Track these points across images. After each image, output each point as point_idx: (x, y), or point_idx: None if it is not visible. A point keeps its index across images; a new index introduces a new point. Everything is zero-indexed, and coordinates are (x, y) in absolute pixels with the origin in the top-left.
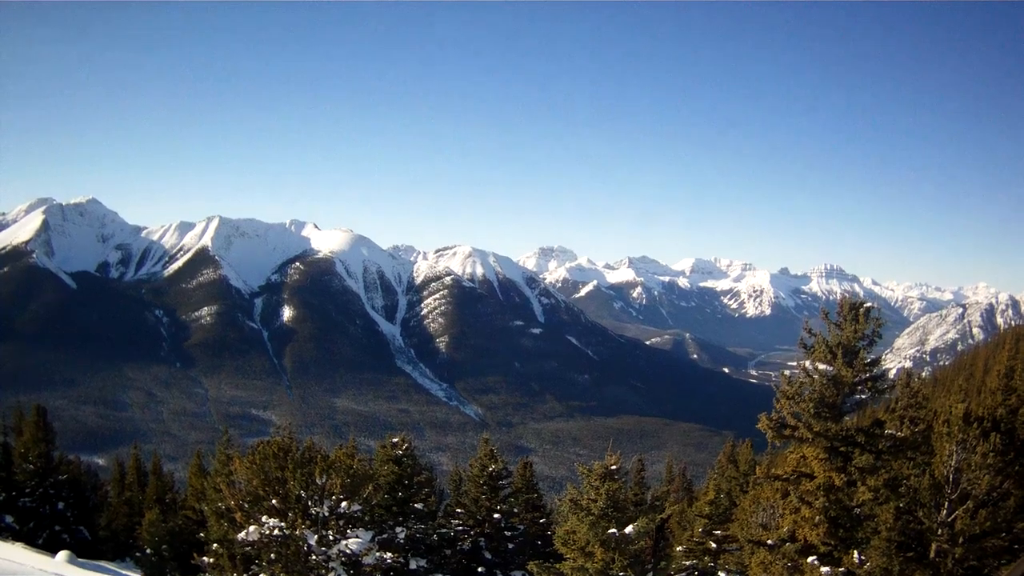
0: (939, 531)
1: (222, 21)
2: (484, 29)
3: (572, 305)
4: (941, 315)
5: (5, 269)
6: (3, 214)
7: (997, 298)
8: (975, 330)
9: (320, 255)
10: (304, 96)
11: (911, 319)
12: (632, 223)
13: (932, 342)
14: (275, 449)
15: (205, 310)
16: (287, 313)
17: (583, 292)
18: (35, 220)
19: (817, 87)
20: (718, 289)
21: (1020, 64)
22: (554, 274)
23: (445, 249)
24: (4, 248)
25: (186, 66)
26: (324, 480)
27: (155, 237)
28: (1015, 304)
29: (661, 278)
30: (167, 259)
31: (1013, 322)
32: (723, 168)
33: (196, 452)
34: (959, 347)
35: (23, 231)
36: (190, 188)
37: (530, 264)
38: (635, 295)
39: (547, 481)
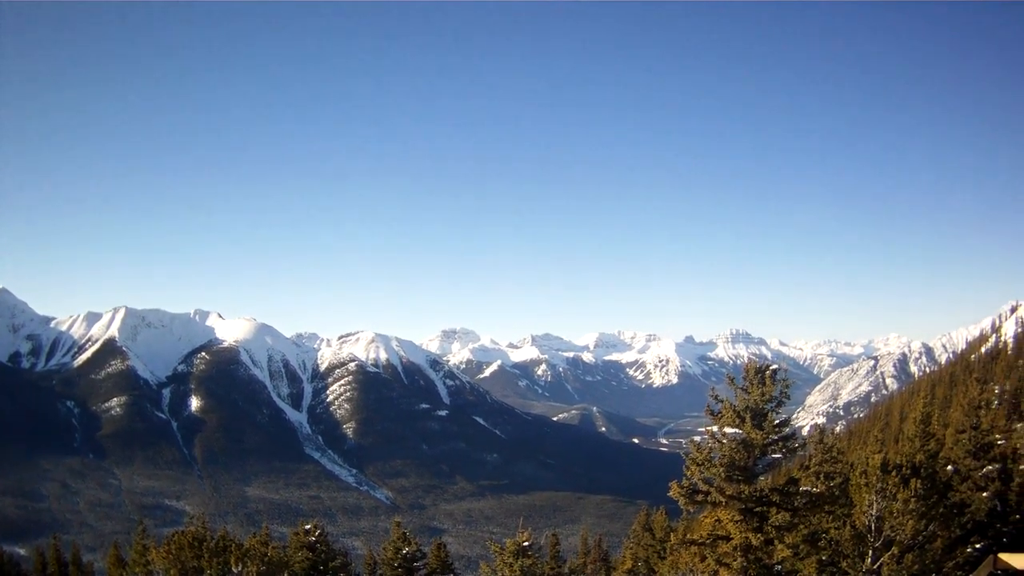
0: None
1: (120, 115)
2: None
3: (477, 386)
4: (853, 369)
5: None
6: None
7: (910, 347)
8: (888, 380)
9: (225, 344)
10: (200, 180)
11: (822, 376)
12: (533, 301)
13: (845, 396)
14: (190, 539)
15: (115, 401)
16: (195, 403)
17: (487, 372)
18: None
19: (716, 149)
20: (623, 361)
21: (911, 119)
22: (458, 356)
23: (348, 335)
24: None
25: (87, 157)
26: (240, 568)
27: (64, 328)
28: (929, 351)
29: (565, 354)
30: (76, 350)
31: (927, 369)
32: (620, 240)
33: (113, 543)
34: (872, 399)
35: None
36: (97, 277)
37: (433, 347)
38: (540, 372)
39: (462, 560)
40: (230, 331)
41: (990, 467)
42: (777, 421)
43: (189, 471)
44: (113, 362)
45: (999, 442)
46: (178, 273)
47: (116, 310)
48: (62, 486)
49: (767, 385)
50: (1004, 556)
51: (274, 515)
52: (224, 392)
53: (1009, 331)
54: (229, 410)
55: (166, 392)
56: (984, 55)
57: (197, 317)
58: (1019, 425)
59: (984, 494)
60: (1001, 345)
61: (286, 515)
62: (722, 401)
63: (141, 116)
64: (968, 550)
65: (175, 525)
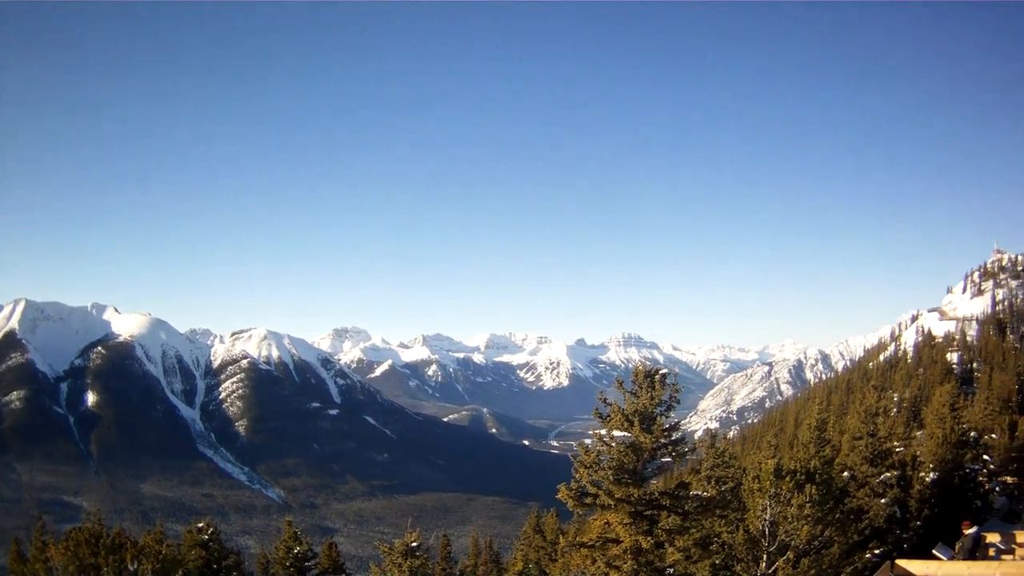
0: None
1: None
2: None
3: (368, 385)
4: (747, 374)
5: None
6: None
7: (806, 353)
8: (783, 386)
9: (120, 339)
10: (98, 173)
11: (715, 381)
12: (424, 301)
13: (738, 401)
14: (87, 536)
15: (14, 395)
16: (91, 398)
17: (378, 372)
18: None
19: (609, 151)
20: (514, 363)
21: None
22: (349, 355)
23: (241, 332)
24: None
25: None
26: (136, 566)
27: None
28: (825, 358)
29: (456, 355)
30: None
31: (823, 375)
32: (511, 242)
33: (14, 539)
34: (767, 404)
35: None
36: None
37: (325, 345)
38: (430, 373)
39: (354, 560)
40: (126, 325)
41: (888, 474)
42: (666, 425)
43: (86, 467)
44: (13, 355)
45: (898, 449)
46: (77, 265)
47: (16, 302)
48: None
49: (656, 389)
50: (901, 562)
51: (168, 512)
52: (119, 387)
53: (909, 340)
54: (124, 406)
55: (63, 386)
56: (887, 55)
57: (94, 311)
58: (919, 433)
59: (883, 500)
60: (901, 353)
61: (180, 512)
62: (611, 404)
63: (39, 109)
64: (867, 556)
65: (74, 521)
